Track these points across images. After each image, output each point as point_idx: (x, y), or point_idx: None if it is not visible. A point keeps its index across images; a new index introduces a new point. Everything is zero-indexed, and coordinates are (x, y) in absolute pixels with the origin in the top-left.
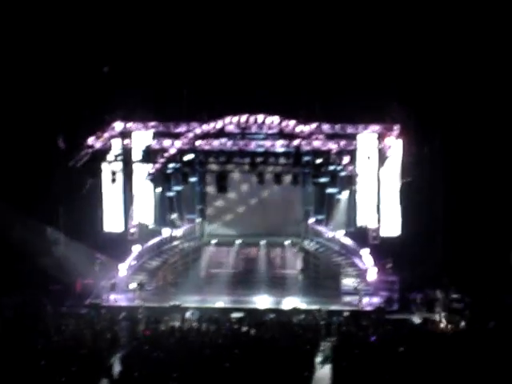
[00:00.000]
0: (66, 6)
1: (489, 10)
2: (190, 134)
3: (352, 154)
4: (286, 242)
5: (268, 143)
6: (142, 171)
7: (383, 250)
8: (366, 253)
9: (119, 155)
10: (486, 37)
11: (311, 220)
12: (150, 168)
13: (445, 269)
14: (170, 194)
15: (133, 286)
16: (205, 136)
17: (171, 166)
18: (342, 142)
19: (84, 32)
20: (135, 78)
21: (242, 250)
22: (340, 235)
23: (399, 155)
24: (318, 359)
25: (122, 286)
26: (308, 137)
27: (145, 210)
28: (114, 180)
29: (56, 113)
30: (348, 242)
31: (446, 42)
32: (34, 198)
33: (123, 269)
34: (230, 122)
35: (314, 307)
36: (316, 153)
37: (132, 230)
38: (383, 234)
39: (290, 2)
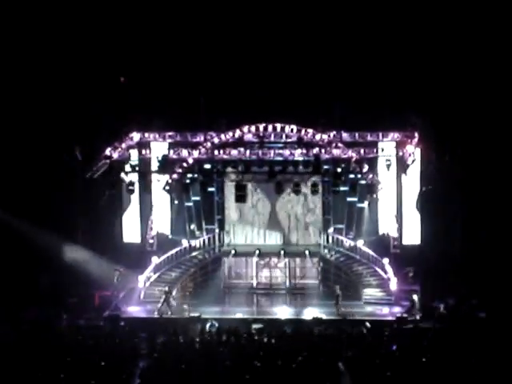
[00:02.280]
0: (84, 18)
1: (507, 19)
2: (208, 144)
3: (372, 162)
4: (306, 252)
5: (287, 152)
6: (160, 181)
7: (404, 258)
8: (387, 262)
9: (137, 166)
10: (505, 45)
11: (331, 229)
12: (167, 178)
13: (465, 277)
14: (189, 204)
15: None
16: (223, 145)
17: (189, 175)
18: (362, 150)
19: (101, 43)
20: (152, 88)
21: (261, 260)
22: (360, 244)
23: (419, 163)
24: (340, 370)
25: (141, 298)
26: (327, 145)
27: (163, 221)
28: (131, 191)
29: (73, 124)
30: (369, 251)
31: (467, 50)
32: (51, 210)
33: (142, 280)
34: (248, 131)
35: (335, 317)
36: (335, 161)
37: (151, 241)
38: (405, 242)
39: (307, 12)
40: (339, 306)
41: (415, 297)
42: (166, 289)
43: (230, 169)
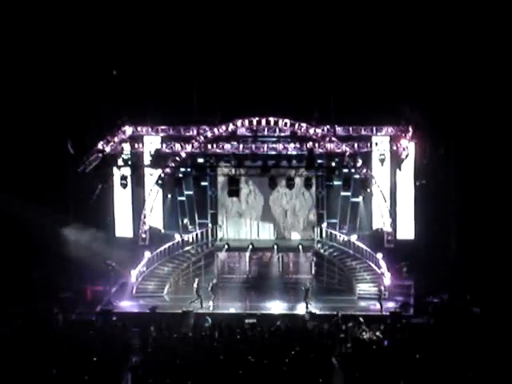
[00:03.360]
0: (77, 11)
1: (505, 14)
2: (201, 138)
3: (366, 156)
4: (300, 247)
5: (280, 146)
6: (152, 175)
7: (398, 253)
8: (381, 257)
9: (129, 159)
10: (501, 40)
11: (325, 224)
12: (160, 172)
13: (460, 272)
14: (182, 198)
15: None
16: (216, 139)
17: (182, 170)
18: (356, 145)
19: (94, 37)
20: (145, 82)
21: (254, 255)
22: (354, 239)
23: (413, 157)
24: (334, 365)
25: (133, 293)
26: (321, 139)
27: (156, 215)
28: (124, 185)
29: (65, 117)
30: (362, 245)
31: (460, 44)
32: (42, 204)
33: (134, 275)
34: (242, 125)
35: (328, 312)
36: (329, 155)
37: (143, 236)
38: (399, 237)
39: (302, 6)
40: (308, 301)
41: (382, 288)
42: (196, 282)
43: (222, 163)
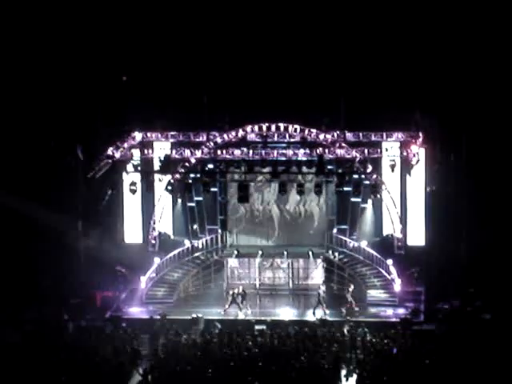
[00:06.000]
0: (85, 17)
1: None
2: (211, 144)
3: (376, 162)
4: (310, 253)
5: (290, 152)
6: (162, 181)
7: (409, 259)
8: (391, 263)
9: (139, 165)
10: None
11: (335, 230)
12: (170, 178)
13: (470, 278)
14: (191, 204)
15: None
16: (225, 145)
17: (192, 175)
18: (366, 150)
19: (103, 43)
20: (155, 88)
21: (264, 261)
22: (364, 245)
23: (424, 163)
24: (343, 372)
25: (143, 299)
26: (331, 145)
27: (165, 221)
28: (134, 191)
29: (75, 123)
30: (373, 251)
31: (472, 51)
32: (53, 210)
33: (144, 281)
34: (252, 131)
35: (339, 319)
36: (339, 161)
37: (153, 242)
38: (409, 243)
39: (312, 12)
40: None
41: (322, 288)
42: (236, 290)
43: (232, 169)
